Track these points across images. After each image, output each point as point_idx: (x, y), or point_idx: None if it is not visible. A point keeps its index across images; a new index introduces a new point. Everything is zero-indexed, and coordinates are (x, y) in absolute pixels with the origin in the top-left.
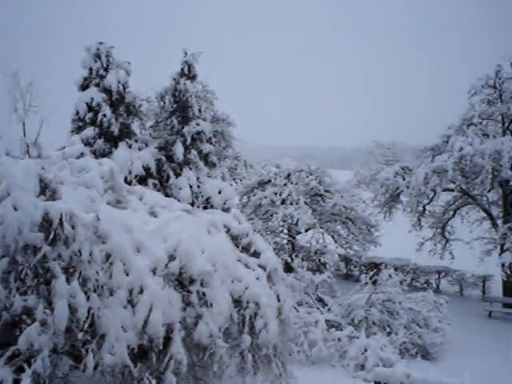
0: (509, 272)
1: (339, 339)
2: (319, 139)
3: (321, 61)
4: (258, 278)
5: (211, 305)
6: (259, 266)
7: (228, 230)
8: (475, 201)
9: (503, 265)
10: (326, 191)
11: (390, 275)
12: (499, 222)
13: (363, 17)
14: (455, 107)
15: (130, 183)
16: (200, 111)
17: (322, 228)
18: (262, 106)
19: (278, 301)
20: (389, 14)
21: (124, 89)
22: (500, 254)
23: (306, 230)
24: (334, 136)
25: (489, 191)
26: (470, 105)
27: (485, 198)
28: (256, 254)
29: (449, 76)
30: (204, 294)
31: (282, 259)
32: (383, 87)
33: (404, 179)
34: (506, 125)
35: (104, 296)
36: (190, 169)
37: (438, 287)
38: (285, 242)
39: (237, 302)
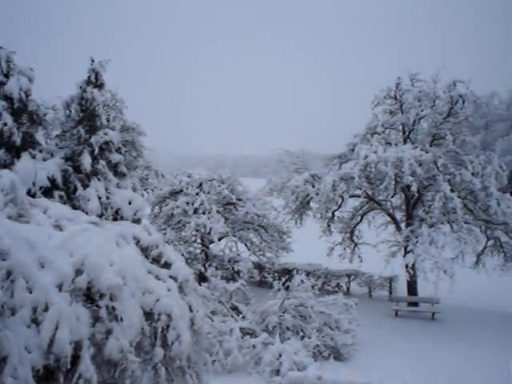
0: (412, 272)
1: (254, 346)
2: (231, 148)
3: (234, 70)
4: (169, 290)
5: (121, 319)
6: (170, 277)
7: (138, 242)
8: (380, 206)
9: (407, 265)
10: (239, 199)
11: (302, 280)
12: (403, 225)
13: (282, 23)
14: (363, 116)
15: (34, 195)
16: (108, 120)
17: (234, 236)
18: (172, 115)
19: (191, 311)
20: (308, 22)
21: (27, 96)
22: (404, 256)
23: (219, 239)
24: (247, 145)
25: (392, 196)
26: (374, 115)
27: (389, 203)
28: (167, 265)
29: (358, 87)
30: (114, 308)
31: (196, 269)
32: (297, 97)
33: (313, 186)
34: (407, 134)
35: (5, 316)
36: (99, 179)
37: (348, 290)
38: (198, 251)
39: (148, 315)
